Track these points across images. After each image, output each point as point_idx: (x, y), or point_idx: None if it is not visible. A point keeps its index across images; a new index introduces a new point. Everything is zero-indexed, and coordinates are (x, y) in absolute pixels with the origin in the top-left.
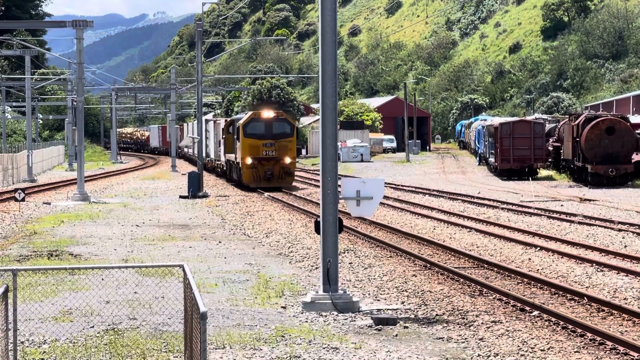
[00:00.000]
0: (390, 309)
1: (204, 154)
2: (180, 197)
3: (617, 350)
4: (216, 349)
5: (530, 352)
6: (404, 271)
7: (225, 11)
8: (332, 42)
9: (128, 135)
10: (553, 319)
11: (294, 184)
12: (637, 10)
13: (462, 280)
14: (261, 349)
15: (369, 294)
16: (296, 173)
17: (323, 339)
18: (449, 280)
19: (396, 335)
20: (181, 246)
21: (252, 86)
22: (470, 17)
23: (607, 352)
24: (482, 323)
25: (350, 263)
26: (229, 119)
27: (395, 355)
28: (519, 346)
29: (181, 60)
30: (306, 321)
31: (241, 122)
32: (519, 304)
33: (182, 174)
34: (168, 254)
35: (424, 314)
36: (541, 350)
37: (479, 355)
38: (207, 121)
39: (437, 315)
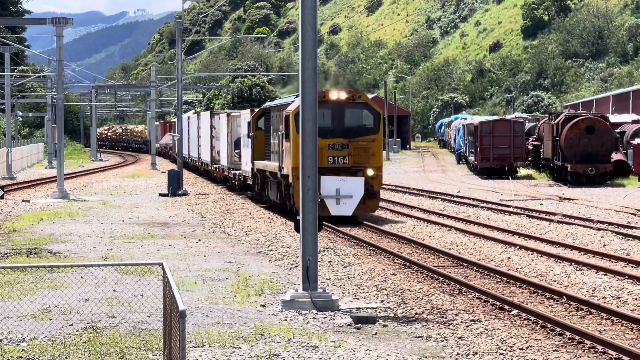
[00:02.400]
0: (370, 308)
1: (183, 152)
2: (160, 195)
3: (596, 349)
4: (195, 347)
5: (509, 351)
6: (384, 270)
7: (206, 9)
8: (312, 40)
9: (137, 134)
10: (532, 318)
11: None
12: (617, 10)
13: (441, 279)
14: (240, 348)
15: (349, 293)
16: None
17: (302, 338)
18: (429, 279)
19: (375, 333)
20: (161, 244)
21: (232, 84)
22: (450, 15)
23: (586, 351)
24: (461, 322)
25: (329, 261)
26: (260, 108)
27: (375, 353)
28: (498, 345)
29: (161, 58)
30: (285, 320)
31: (293, 109)
32: (498, 303)
33: (162, 172)
34: (147, 252)
35: (403, 313)
36: (520, 349)
37: (458, 354)
38: (213, 114)
39: (416, 313)
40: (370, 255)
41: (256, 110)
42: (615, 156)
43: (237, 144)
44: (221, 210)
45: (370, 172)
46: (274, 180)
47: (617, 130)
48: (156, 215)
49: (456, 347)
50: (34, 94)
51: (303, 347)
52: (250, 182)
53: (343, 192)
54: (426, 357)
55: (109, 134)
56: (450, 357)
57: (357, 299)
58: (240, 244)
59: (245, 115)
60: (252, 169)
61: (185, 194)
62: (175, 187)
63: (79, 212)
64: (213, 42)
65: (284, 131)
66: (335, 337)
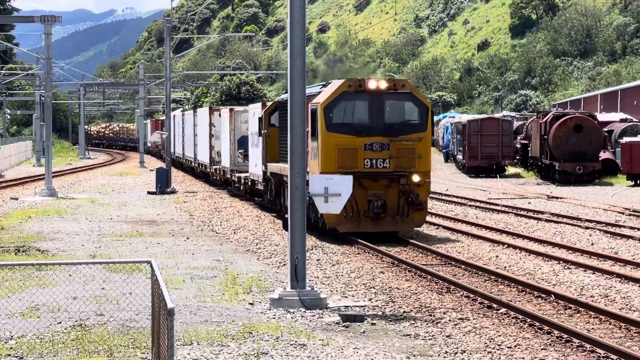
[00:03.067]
0: (358, 306)
1: (177, 152)
2: (149, 193)
3: (584, 348)
4: (183, 345)
5: (497, 350)
6: (372, 268)
7: (194, 7)
8: (301, 38)
9: (132, 131)
10: (520, 316)
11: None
12: (605, 9)
13: (429, 277)
14: (229, 346)
15: (337, 291)
16: None
17: (290, 336)
18: (417, 277)
19: (363, 332)
20: (149, 242)
21: (221, 82)
22: (438, 14)
23: (574, 349)
24: (449, 320)
25: (318, 260)
26: (274, 101)
27: (363, 352)
28: (486, 343)
29: (150, 56)
30: (274, 318)
31: (322, 101)
32: (486, 301)
33: (151, 170)
34: (136, 250)
35: (391, 311)
36: (508, 347)
37: (446, 352)
38: (212, 110)
39: (404, 312)
40: (358, 253)
41: (269, 104)
42: (604, 155)
43: (241, 143)
44: (209, 208)
45: (415, 178)
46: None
47: (605, 129)
48: (144, 213)
49: (444, 346)
50: (22, 91)
51: (291, 345)
52: (260, 187)
53: (332, 190)
54: (414, 356)
55: (106, 132)
56: (439, 355)
57: (346, 297)
58: (228, 242)
59: (255, 110)
60: (264, 172)
61: (173, 192)
62: (163, 185)
63: (67, 210)
64: (201, 40)
65: (309, 128)
66: (324, 335)
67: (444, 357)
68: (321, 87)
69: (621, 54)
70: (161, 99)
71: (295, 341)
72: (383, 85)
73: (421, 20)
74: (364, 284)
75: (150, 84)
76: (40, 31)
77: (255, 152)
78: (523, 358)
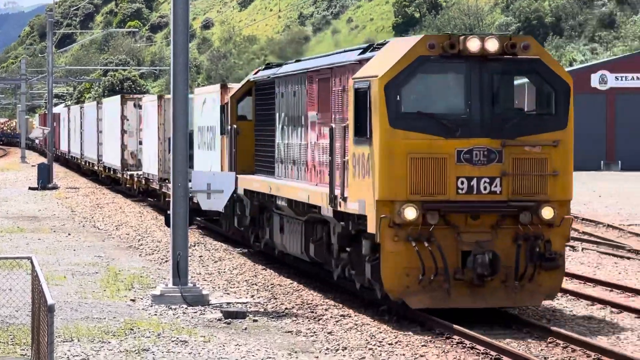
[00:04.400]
0: (240, 303)
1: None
2: (30, 188)
3: (464, 344)
4: (64, 341)
5: (379, 346)
6: (254, 265)
7: (77, 2)
8: (184, 34)
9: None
10: (401, 313)
11: None
12: (488, 8)
13: (312, 274)
14: (109, 342)
15: (219, 287)
16: None
17: (172, 332)
18: (299, 274)
19: (245, 328)
20: (30, 238)
21: (104, 78)
22: (322, 12)
23: (454, 346)
24: (331, 317)
25: (200, 256)
26: (249, 80)
27: (244, 348)
28: (367, 340)
29: (32, 51)
30: (155, 314)
31: (382, 73)
32: (367, 298)
33: (32, 166)
34: (16, 246)
35: (273, 308)
36: (389, 344)
37: (327, 348)
38: (125, 100)
39: (286, 308)
40: (241, 250)
41: (233, 85)
42: None
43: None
44: (91, 204)
45: (547, 212)
46: (302, 221)
47: None
48: (25, 208)
49: (326, 342)
50: None
51: (172, 342)
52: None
53: (215, 187)
54: (296, 352)
55: (4, 128)
56: (320, 352)
57: (228, 293)
58: (110, 238)
59: (210, 94)
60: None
61: (55, 187)
62: (45, 180)
63: None
64: (84, 35)
65: (352, 122)
66: (205, 332)
67: (326, 353)
68: (362, 52)
69: None
70: (43, 94)
71: (177, 338)
72: (492, 45)
73: (305, 17)
74: (246, 280)
75: (32, 78)
76: None
77: (209, 157)
78: (404, 354)
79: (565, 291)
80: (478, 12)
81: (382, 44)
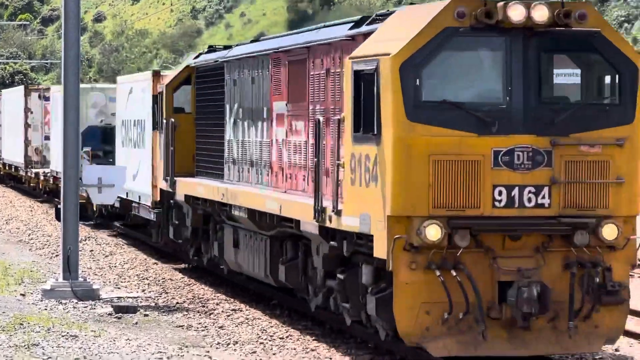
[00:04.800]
0: (131, 297)
1: None
2: None
3: (356, 339)
4: None
5: (270, 340)
6: (145, 259)
7: None
8: (76, 28)
9: None
10: (293, 307)
11: None
12: (380, 4)
13: (203, 269)
14: None
15: (110, 282)
16: None
17: (62, 327)
18: (190, 269)
19: (136, 323)
20: None
21: None
22: (215, 6)
23: (345, 340)
24: (222, 311)
25: (91, 251)
26: (187, 66)
27: (135, 343)
28: (258, 334)
29: None
30: (45, 309)
31: (397, 51)
32: (258, 292)
33: None
34: None
35: (164, 302)
36: (280, 338)
37: (218, 343)
38: (30, 91)
39: (177, 303)
40: (132, 244)
41: (167, 73)
42: None
43: (88, 138)
44: None
45: (609, 231)
46: (267, 237)
47: None
48: None
49: (217, 337)
50: None
51: (63, 336)
52: (150, 215)
53: (105, 181)
54: (186, 347)
55: None
56: (211, 346)
57: (119, 288)
58: (0, 233)
59: (137, 83)
60: (170, 192)
61: None
62: None
63: None
64: None
65: (350, 114)
66: (96, 327)
67: (217, 347)
68: (354, 25)
69: None
70: None
71: (67, 332)
72: (541, 14)
73: (198, 11)
74: (137, 275)
75: None
76: None
77: (136, 156)
78: (294, 348)
79: (628, 333)
80: (370, 7)
81: (385, 14)
